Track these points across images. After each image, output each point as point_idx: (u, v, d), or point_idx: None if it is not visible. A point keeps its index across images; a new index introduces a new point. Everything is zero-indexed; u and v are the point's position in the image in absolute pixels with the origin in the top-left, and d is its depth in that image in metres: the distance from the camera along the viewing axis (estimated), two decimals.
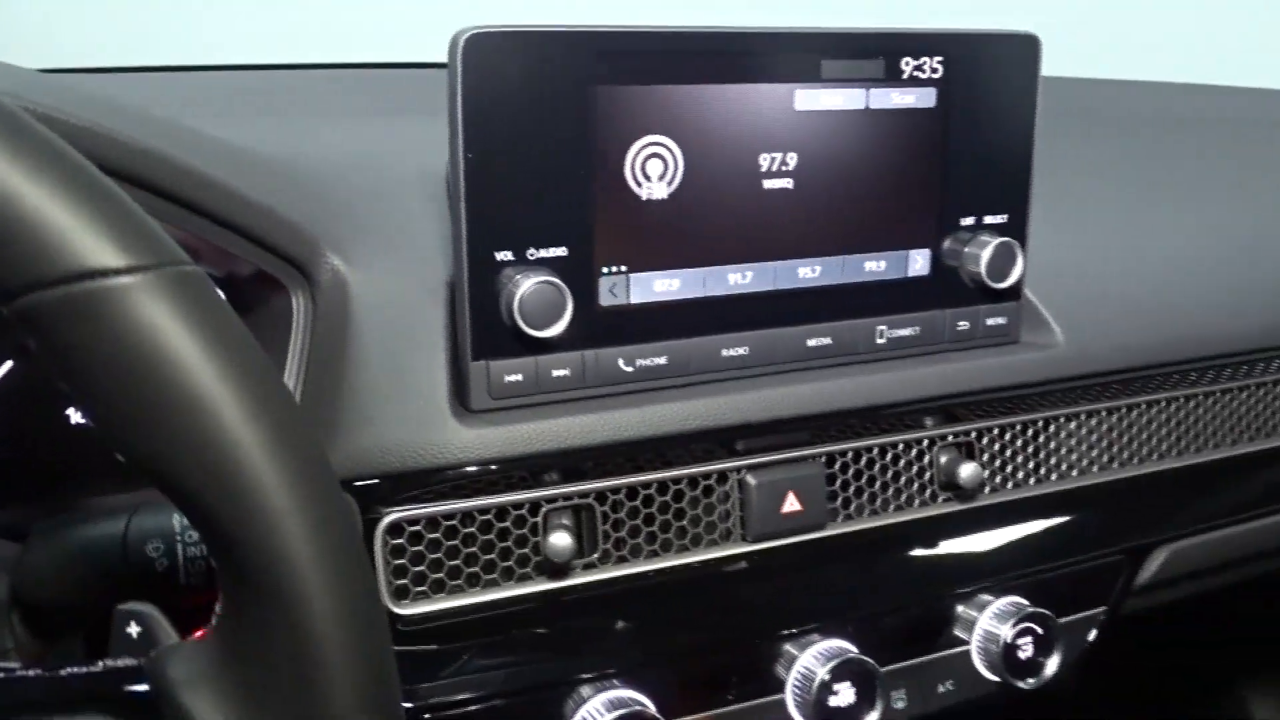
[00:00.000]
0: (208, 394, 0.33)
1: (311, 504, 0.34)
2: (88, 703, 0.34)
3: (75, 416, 0.67)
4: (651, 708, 0.57)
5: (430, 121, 0.64)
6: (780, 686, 0.62)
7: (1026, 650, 0.65)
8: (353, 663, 0.34)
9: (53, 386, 0.66)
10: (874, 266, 0.65)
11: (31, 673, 0.35)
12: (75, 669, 0.35)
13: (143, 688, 0.35)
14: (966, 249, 0.66)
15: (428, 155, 0.69)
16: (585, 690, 0.58)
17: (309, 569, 0.33)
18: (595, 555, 0.60)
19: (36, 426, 0.66)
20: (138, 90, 0.90)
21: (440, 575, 0.57)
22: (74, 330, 0.32)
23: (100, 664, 0.36)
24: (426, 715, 0.56)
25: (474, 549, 0.57)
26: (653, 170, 0.58)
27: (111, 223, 0.33)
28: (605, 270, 0.58)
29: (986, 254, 0.65)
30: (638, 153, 0.57)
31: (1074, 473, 0.72)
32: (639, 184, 0.58)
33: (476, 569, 0.58)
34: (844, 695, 0.60)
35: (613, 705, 0.56)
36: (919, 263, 0.66)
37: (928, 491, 0.68)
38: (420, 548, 0.57)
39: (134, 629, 0.45)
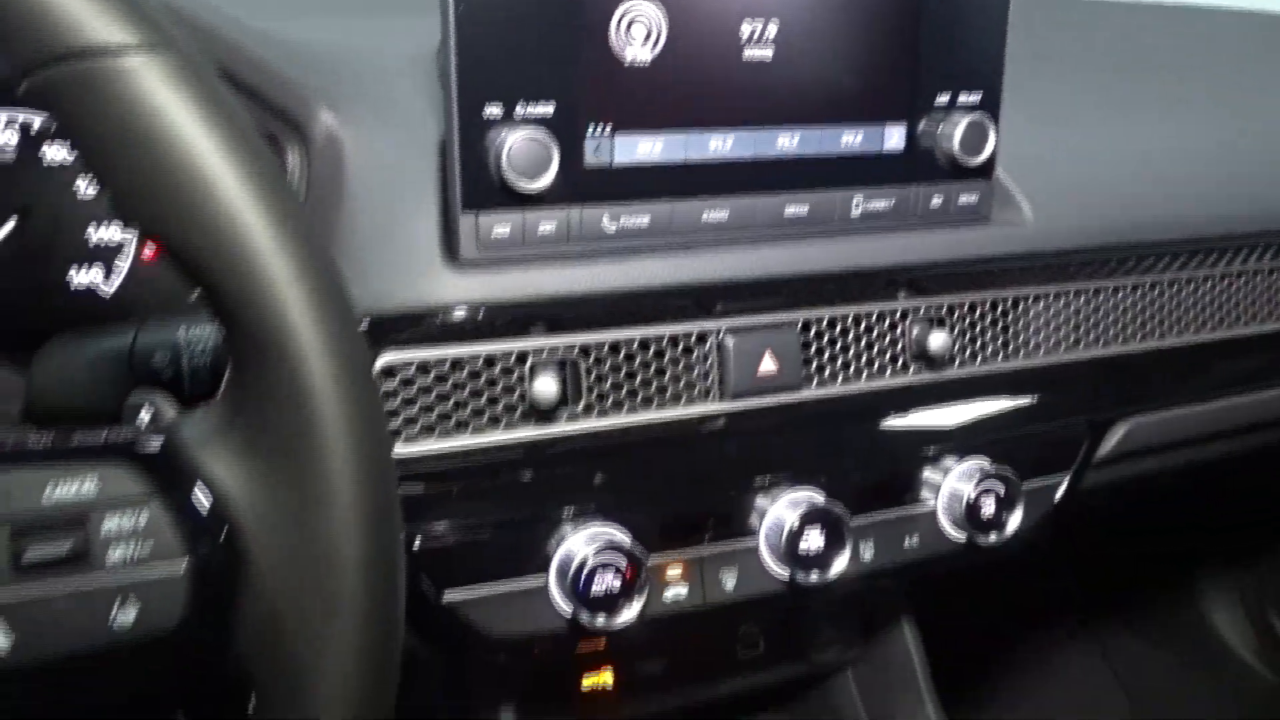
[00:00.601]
0: (210, 166, 0.35)
1: (307, 268, 0.36)
2: (103, 456, 0.37)
3: (76, 279, 0.70)
4: (629, 542, 0.60)
5: (427, 17, 0.66)
6: (754, 532, 0.65)
7: (989, 508, 0.69)
8: (346, 416, 0.37)
9: (53, 247, 0.69)
10: (850, 139, 0.67)
11: (44, 441, 0.38)
12: (86, 435, 0.38)
13: (155, 446, 0.38)
14: (941, 125, 0.68)
15: (422, 38, 0.70)
16: (567, 528, 0.61)
17: (305, 328, 0.36)
18: (579, 406, 0.62)
19: (38, 285, 0.68)
20: None
21: (430, 419, 0.60)
22: (86, 105, 0.35)
23: (105, 433, 0.38)
24: (415, 546, 0.58)
25: (463, 395, 0.60)
26: (637, 33, 0.60)
27: (124, 5, 0.35)
28: (590, 129, 0.60)
29: (960, 130, 0.68)
30: (623, 15, 0.59)
31: (1040, 351, 0.75)
32: (623, 46, 0.60)
33: (465, 415, 0.60)
34: (814, 541, 0.64)
35: (593, 539, 0.59)
36: (894, 138, 0.68)
37: (899, 361, 0.71)
38: (411, 392, 0.59)
39: (145, 415, 0.47)
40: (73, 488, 0.36)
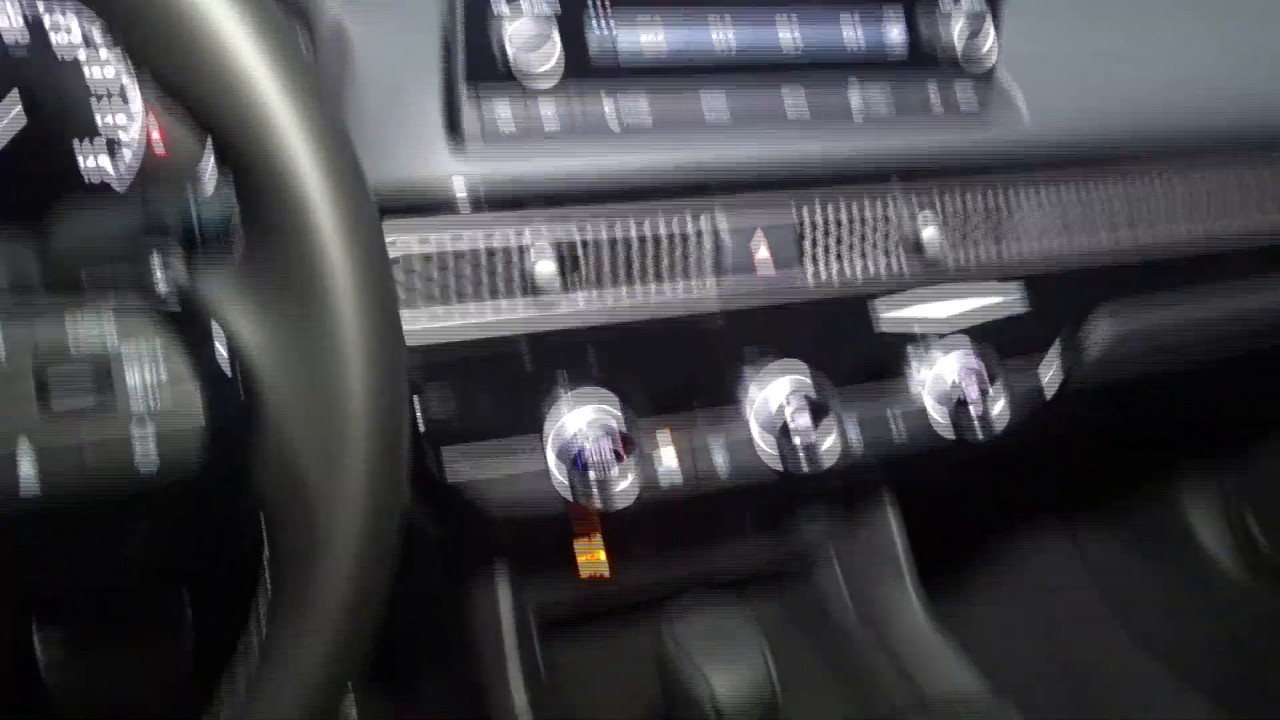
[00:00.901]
0: (222, 20, 0.37)
1: (315, 119, 0.38)
2: (123, 311, 0.39)
3: (86, 167, 0.71)
4: (623, 418, 0.62)
5: None
6: (744, 412, 0.68)
7: (973, 391, 0.71)
8: (354, 265, 0.39)
9: (64, 137, 0.70)
10: (851, 34, 0.67)
11: (67, 298, 0.40)
12: (106, 293, 0.40)
13: (173, 301, 0.40)
14: (942, 23, 0.69)
15: None
16: (564, 405, 0.63)
17: (312, 174, 0.38)
18: (577, 288, 0.64)
19: (49, 173, 0.69)
20: None
21: (434, 300, 0.62)
22: None
23: (124, 291, 0.41)
24: (416, 415, 0.61)
25: (464, 274, 0.62)
26: None
27: None
28: (593, 19, 0.61)
29: (961, 28, 0.68)
30: None
31: (1030, 243, 0.77)
32: None
33: (467, 296, 0.62)
34: (801, 421, 0.66)
35: (589, 414, 0.62)
36: (895, 34, 0.69)
37: (892, 253, 0.72)
38: (415, 273, 0.61)
39: (160, 275, 0.50)
40: (96, 340, 0.38)
